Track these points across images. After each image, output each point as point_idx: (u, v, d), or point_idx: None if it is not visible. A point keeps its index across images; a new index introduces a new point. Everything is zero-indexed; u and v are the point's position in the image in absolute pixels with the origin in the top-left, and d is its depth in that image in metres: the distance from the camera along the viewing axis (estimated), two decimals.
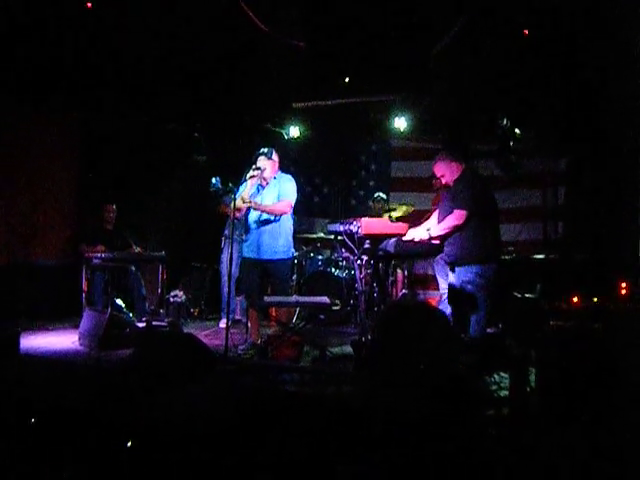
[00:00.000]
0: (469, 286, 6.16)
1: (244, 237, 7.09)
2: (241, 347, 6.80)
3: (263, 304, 6.87)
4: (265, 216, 6.89)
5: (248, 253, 7.00)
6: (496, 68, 7.93)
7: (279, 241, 6.90)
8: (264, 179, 6.97)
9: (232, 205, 6.63)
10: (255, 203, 6.82)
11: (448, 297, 6.47)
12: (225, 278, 8.83)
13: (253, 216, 6.96)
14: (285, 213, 6.90)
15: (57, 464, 3.68)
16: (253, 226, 6.94)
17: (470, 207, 6.17)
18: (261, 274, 7.01)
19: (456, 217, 6.20)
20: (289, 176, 7.09)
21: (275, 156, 6.98)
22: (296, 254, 9.17)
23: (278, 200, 6.91)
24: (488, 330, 6.67)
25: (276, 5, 7.10)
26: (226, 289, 8.76)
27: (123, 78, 8.45)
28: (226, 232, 8.82)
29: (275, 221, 6.89)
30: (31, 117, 9.17)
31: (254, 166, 6.83)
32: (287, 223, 6.98)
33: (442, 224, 6.31)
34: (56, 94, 8.72)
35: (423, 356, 5.10)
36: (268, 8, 7.00)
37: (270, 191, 6.97)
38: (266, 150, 6.92)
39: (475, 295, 6.15)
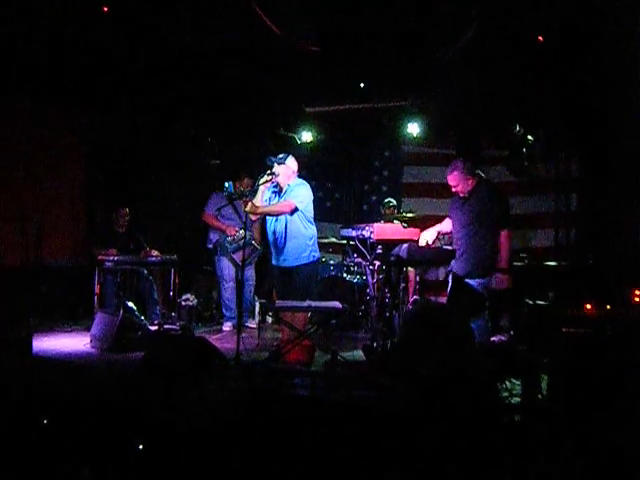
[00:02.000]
0: (477, 297, 6.20)
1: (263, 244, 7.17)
2: None
3: (275, 308, 6.88)
4: (284, 223, 6.84)
5: (273, 261, 7.04)
6: (508, 73, 7.92)
7: (299, 247, 6.85)
8: (279, 185, 6.93)
9: (245, 208, 6.73)
10: (252, 206, 6.77)
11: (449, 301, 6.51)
12: (227, 284, 8.87)
13: (274, 225, 6.91)
14: (283, 213, 6.77)
15: (69, 465, 3.69)
16: (273, 232, 6.93)
17: (508, 225, 6.31)
18: (284, 280, 7.01)
19: (506, 237, 6.31)
20: (303, 181, 7.02)
21: (291, 162, 6.91)
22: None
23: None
24: (501, 337, 6.68)
25: (290, 9, 7.10)
26: (226, 294, 8.85)
27: (137, 80, 8.47)
28: (214, 239, 8.92)
29: (288, 226, 6.83)
30: (39, 119, 9.21)
31: (269, 171, 6.79)
32: (300, 227, 6.87)
33: (502, 253, 6.32)
34: (65, 95, 8.76)
35: (438, 361, 5.10)
36: (282, 12, 7.00)
37: (284, 197, 6.91)
38: (281, 155, 6.89)
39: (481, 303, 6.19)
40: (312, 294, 6.84)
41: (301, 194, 6.84)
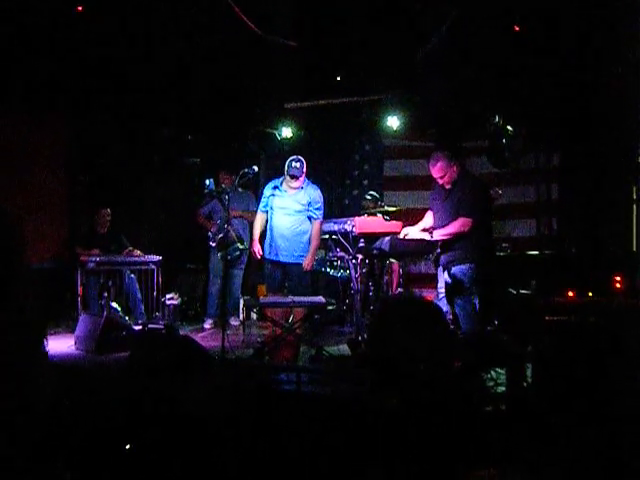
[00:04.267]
0: (462, 284, 6.19)
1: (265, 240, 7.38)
2: None
3: (258, 304, 6.89)
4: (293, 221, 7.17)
5: (269, 255, 7.24)
6: (486, 65, 7.94)
7: (300, 246, 7.16)
8: (282, 186, 7.27)
9: (225, 211, 6.87)
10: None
11: (445, 295, 6.49)
12: (215, 280, 8.90)
13: (282, 221, 7.19)
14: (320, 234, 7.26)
15: (54, 468, 3.67)
16: (280, 230, 7.19)
17: (476, 215, 6.19)
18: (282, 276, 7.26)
19: (462, 224, 6.20)
20: (314, 185, 7.38)
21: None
22: None
23: (308, 206, 7.14)
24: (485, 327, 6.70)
25: (266, 5, 7.09)
26: (213, 289, 8.87)
27: (113, 81, 8.42)
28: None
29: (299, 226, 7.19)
30: (19, 123, 9.16)
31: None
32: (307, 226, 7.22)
33: (446, 229, 6.28)
34: (43, 97, 8.70)
35: (419, 351, 5.11)
36: (258, 8, 6.99)
37: (298, 197, 7.20)
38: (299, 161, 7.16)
39: (468, 293, 6.18)
40: (307, 291, 7.07)
41: (320, 202, 7.23)
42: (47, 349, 2.53)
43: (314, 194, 7.19)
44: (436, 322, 5.30)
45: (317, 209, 7.15)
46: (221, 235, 8.21)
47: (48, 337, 2.74)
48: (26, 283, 2.69)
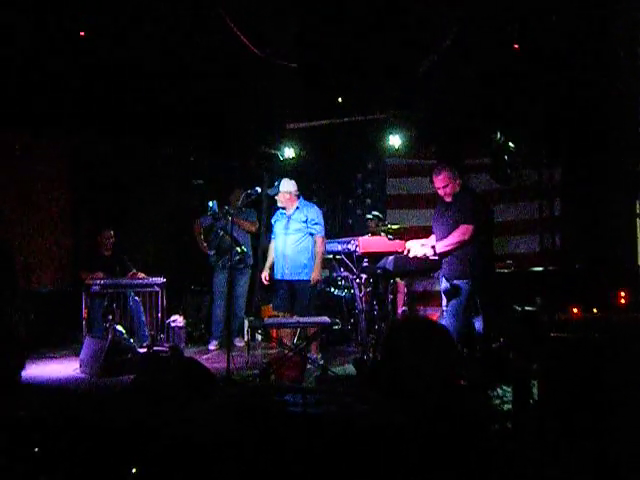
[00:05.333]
0: (458, 296, 6.18)
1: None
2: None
3: (263, 325, 6.90)
4: (294, 240, 7.49)
5: (276, 275, 7.58)
6: (487, 82, 7.96)
7: (303, 262, 7.45)
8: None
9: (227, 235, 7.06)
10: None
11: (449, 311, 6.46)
12: (218, 301, 8.92)
13: (284, 241, 7.56)
14: (323, 252, 7.51)
15: None
16: (283, 250, 7.51)
17: (477, 222, 6.17)
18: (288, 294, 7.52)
19: (463, 232, 6.18)
20: (308, 203, 7.79)
21: (285, 186, 7.58)
22: None
23: (306, 223, 7.48)
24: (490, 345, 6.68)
25: (268, 27, 7.13)
26: (217, 310, 8.90)
27: (116, 102, 8.45)
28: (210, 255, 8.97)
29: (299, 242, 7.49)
30: (22, 146, 9.22)
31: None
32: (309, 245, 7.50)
33: (448, 240, 6.27)
34: (44, 116, 8.73)
35: (425, 372, 5.09)
36: (260, 30, 7.03)
37: (295, 220, 7.54)
38: (275, 185, 7.66)
39: (472, 309, 6.17)
40: (310, 310, 7.26)
41: (319, 220, 7.58)
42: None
43: (311, 211, 7.54)
44: (443, 342, 5.28)
45: (315, 224, 7.47)
46: (218, 242, 8.27)
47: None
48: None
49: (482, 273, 6.24)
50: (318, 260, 7.46)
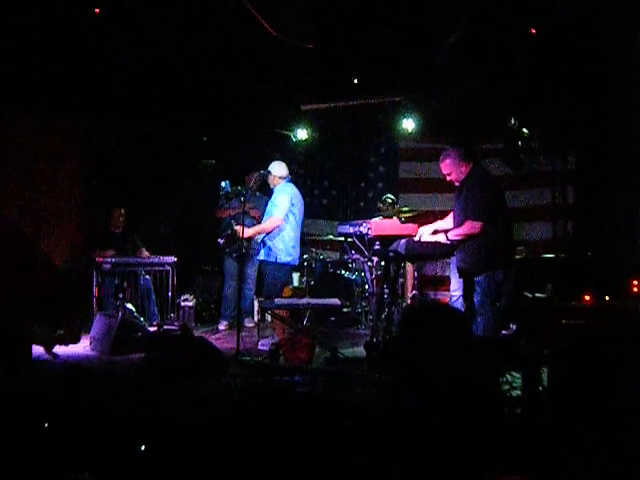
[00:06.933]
0: (479, 290, 6.08)
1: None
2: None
3: (273, 306, 6.89)
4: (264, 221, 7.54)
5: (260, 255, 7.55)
6: (503, 68, 7.91)
7: (277, 245, 7.32)
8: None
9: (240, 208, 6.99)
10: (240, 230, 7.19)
11: (463, 298, 6.39)
12: (230, 282, 8.93)
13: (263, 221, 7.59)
14: (273, 229, 7.30)
15: (71, 470, 3.68)
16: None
17: (485, 217, 6.00)
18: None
19: (470, 227, 6.01)
20: (285, 186, 7.50)
21: (274, 168, 7.53)
22: (305, 256, 9.17)
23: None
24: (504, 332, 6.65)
25: (283, 7, 7.09)
26: (228, 292, 8.89)
27: (128, 83, 8.44)
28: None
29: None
30: (32, 123, 9.23)
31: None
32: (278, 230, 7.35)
33: (457, 231, 6.13)
34: (57, 99, 8.73)
35: (442, 356, 5.08)
36: (275, 10, 6.98)
37: (271, 202, 7.53)
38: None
39: (486, 299, 6.08)
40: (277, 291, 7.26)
41: (280, 202, 7.31)
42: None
43: (279, 195, 7.43)
44: (459, 327, 5.27)
45: (274, 206, 7.39)
46: (229, 232, 8.22)
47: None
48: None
49: (500, 263, 6.11)
50: (254, 229, 7.51)
